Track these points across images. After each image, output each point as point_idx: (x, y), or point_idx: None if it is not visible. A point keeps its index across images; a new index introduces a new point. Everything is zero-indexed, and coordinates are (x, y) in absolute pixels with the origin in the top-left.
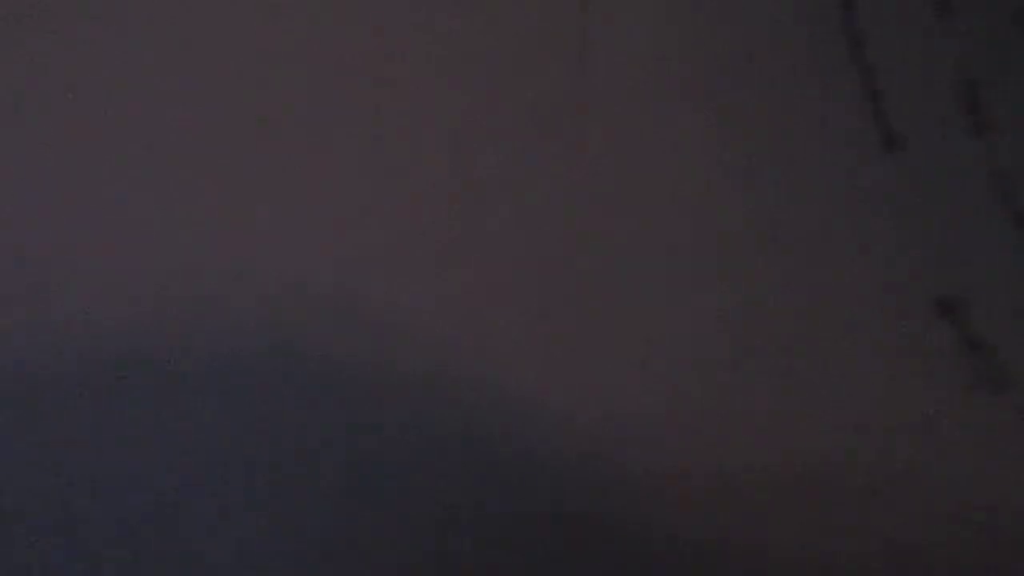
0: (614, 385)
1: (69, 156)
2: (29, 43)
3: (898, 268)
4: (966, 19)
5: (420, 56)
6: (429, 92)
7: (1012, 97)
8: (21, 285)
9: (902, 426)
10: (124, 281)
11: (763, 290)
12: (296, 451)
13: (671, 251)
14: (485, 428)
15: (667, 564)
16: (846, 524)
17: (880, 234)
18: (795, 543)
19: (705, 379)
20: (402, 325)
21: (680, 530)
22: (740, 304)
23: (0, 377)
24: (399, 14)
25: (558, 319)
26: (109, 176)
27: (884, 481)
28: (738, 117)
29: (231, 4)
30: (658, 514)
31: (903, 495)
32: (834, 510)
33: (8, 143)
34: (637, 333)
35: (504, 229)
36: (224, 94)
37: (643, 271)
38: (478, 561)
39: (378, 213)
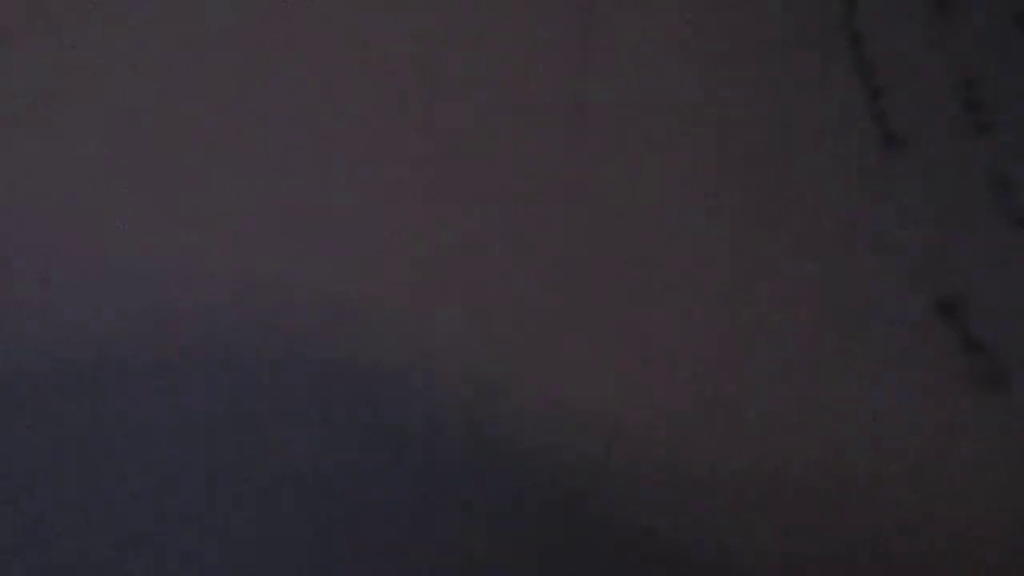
0: (613, 385)
1: (69, 157)
2: (30, 45)
3: (898, 268)
4: (966, 19)
5: (421, 58)
6: (430, 94)
7: (1012, 97)
8: (21, 286)
9: (902, 426)
10: (122, 282)
11: (763, 290)
12: (294, 449)
13: (670, 251)
14: (483, 427)
15: (666, 561)
16: (846, 523)
17: (880, 234)
18: (794, 541)
19: (705, 379)
20: (402, 324)
21: (679, 527)
22: (740, 304)
23: (1, 376)
24: (399, 16)
25: (557, 319)
26: (107, 178)
27: (884, 480)
28: (738, 117)
29: (230, 9)
30: (657, 512)
31: (903, 494)
32: (834, 508)
33: (10, 144)
34: (636, 333)
35: (504, 230)
36: (222, 98)
37: (642, 271)
38: (475, 557)
39: (379, 214)
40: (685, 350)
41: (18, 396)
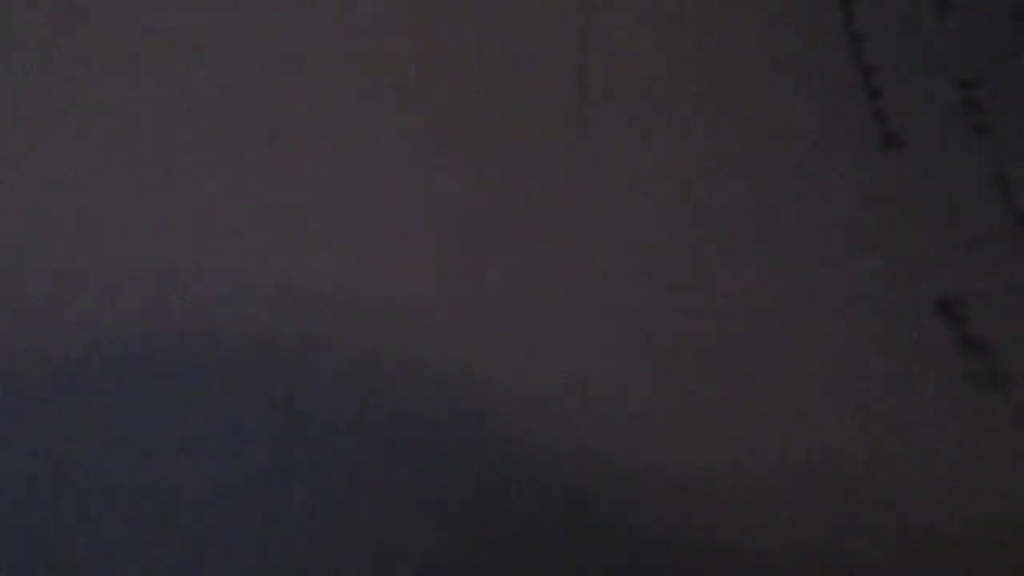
0: (611, 383)
1: (68, 156)
2: (29, 43)
3: (898, 268)
4: (966, 19)
5: (421, 56)
6: (430, 92)
7: (1012, 97)
8: (20, 286)
9: (901, 426)
10: (122, 281)
11: (762, 290)
12: (295, 449)
13: (669, 250)
14: (482, 426)
15: (664, 561)
16: (843, 524)
17: (880, 234)
18: (792, 542)
19: (704, 378)
20: (401, 325)
21: (677, 527)
22: (739, 304)
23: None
24: (399, 15)
25: (555, 317)
26: (107, 176)
27: (882, 481)
28: (738, 117)
29: (230, 7)
30: (655, 512)
31: (901, 495)
32: (831, 509)
33: (9, 143)
34: (636, 331)
35: (502, 230)
36: (223, 95)
37: (641, 270)
38: (474, 558)
39: (378, 213)
40: (684, 349)
41: (16, 397)
